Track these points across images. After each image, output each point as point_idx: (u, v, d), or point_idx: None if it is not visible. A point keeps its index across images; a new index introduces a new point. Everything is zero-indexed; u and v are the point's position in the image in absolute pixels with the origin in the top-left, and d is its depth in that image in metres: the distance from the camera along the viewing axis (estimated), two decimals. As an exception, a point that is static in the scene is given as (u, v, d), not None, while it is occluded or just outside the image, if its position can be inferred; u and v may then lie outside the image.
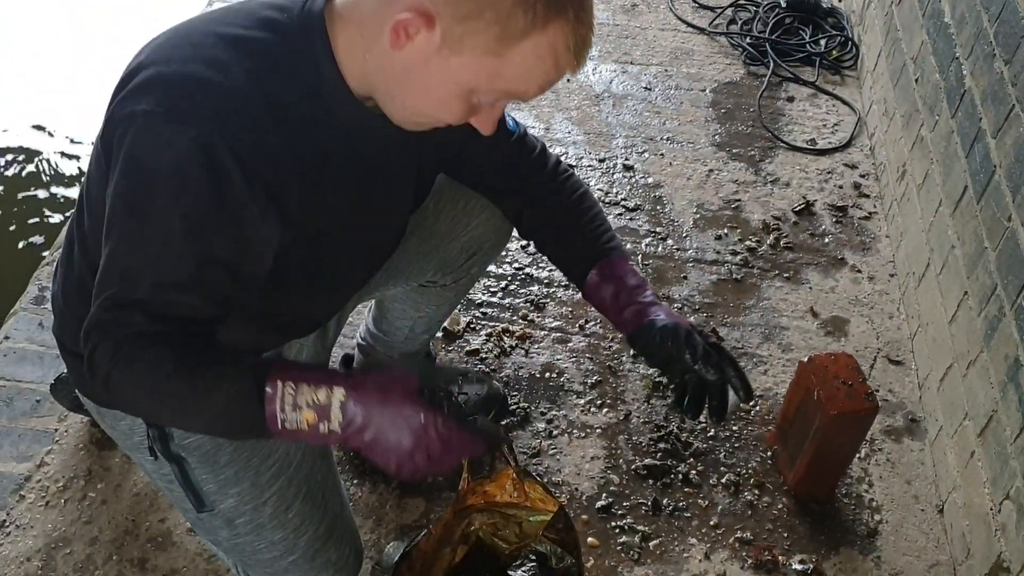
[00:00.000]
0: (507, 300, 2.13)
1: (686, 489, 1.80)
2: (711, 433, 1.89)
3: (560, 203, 1.40)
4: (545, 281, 2.17)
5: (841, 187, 2.52)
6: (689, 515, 1.77)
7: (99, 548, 1.64)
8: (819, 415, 1.66)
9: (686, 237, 2.34)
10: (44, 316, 2.00)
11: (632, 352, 2.01)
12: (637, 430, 1.89)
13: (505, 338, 2.04)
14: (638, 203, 2.42)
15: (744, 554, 1.71)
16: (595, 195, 2.39)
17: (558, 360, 2.01)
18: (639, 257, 2.27)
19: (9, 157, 2.97)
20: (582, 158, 2.54)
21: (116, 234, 1.01)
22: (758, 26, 3.02)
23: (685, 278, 2.23)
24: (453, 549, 1.42)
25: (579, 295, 1.65)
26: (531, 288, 2.16)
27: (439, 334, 2.01)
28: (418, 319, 1.64)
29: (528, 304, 2.13)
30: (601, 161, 2.54)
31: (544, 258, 1.74)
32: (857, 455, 1.84)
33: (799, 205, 2.44)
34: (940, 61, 2.06)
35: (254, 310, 1.13)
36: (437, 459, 1.06)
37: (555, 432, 1.88)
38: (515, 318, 2.09)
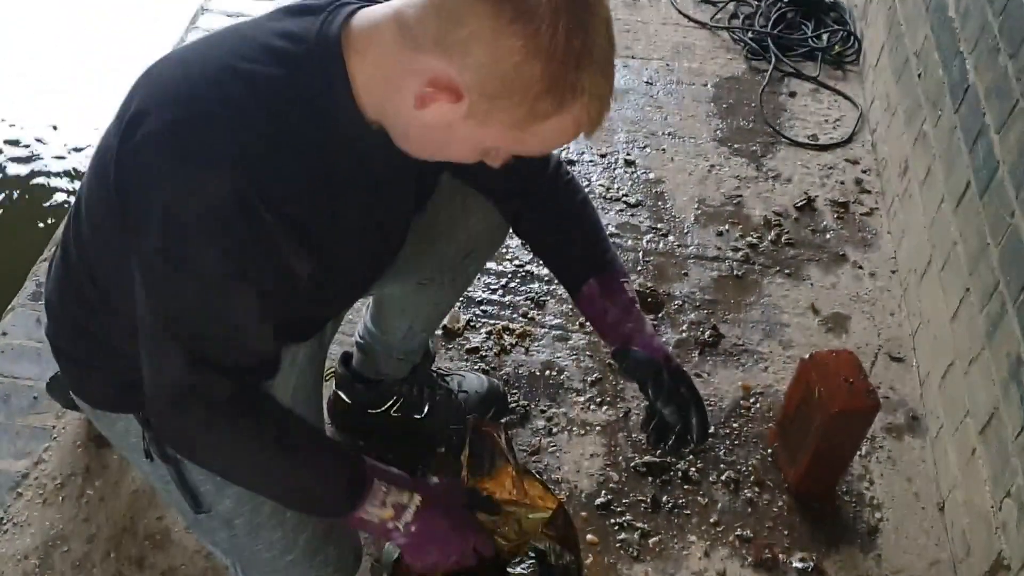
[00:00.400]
0: (507, 298, 2.13)
1: (686, 486, 1.80)
2: (711, 430, 1.89)
3: (559, 208, 1.40)
4: (545, 279, 2.16)
5: (843, 183, 2.50)
6: (689, 512, 1.76)
7: (97, 546, 1.63)
8: (820, 412, 1.65)
9: (687, 233, 2.33)
10: (42, 312, 1.97)
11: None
12: (637, 427, 1.88)
13: (505, 336, 2.04)
14: (639, 199, 2.41)
15: (744, 552, 1.71)
16: (597, 190, 2.41)
17: (558, 358, 2.01)
18: (640, 253, 2.26)
19: (8, 156, 2.96)
20: (583, 153, 2.53)
21: (166, 290, 1.01)
22: (760, 21, 3.00)
23: (686, 274, 2.22)
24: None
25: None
26: (531, 286, 2.15)
27: (439, 332, 2.00)
28: (416, 317, 1.64)
29: (528, 302, 2.12)
30: (602, 156, 2.52)
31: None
32: (858, 453, 1.83)
33: (800, 201, 2.43)
34: (943, 56, 2.05)
35: None
36: (456, 561, 1.23)
37: (555, 430, 1.87)
38: (515, 316, 2.09)
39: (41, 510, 1.67)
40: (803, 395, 1.71)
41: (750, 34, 2.96)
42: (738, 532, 1.73)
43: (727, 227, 2.35)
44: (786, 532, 1.75)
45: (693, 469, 1.82)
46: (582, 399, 1.93)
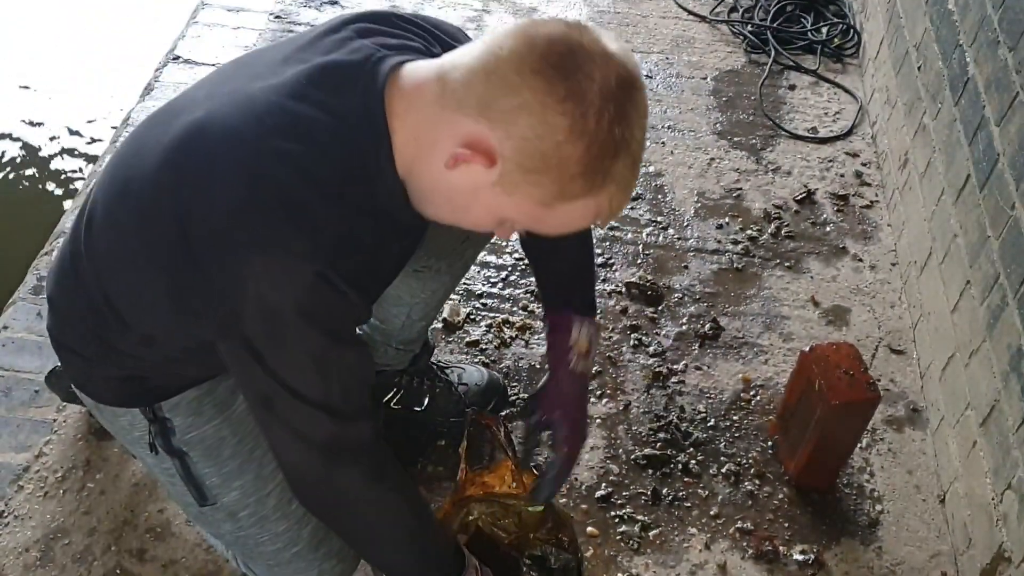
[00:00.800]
0: (507, 291, 2.13)
1: (686, 479, 1.80)
2: (711, 423, 1.89)
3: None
4: (545, 271, 2.16)
5: (843, 176, 2.50)
6: (689, 505, 1.76)
7: (98, 538, 1.63)
8: (820, 405, 1.65)
9: (687, 226, 2.33)
10: (43, 306, 1.98)
11: (632, 343, 2.02)
12: (637, 420, 1.88)
13: (505, 329, 2.04)
14: (639, 192, 2.41)
15: (745, 544, 1.71)
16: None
17: (558, 350, 2.00)
18: (640, 246, 2.26)
19: (8, 156, 2.96)
20: (582, 147, 2.52)
21: (283, 369, 1.04)
22: (759, 14, 3.00)
23: (686, 267, 2.22)
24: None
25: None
26: (531, 279, 2.15)
27: (439, 325, 2.00)
28: (414, 305, 1.63)
29: (528, 295, 2.12)
30: (602, 150, 2.52)
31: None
32: (858, 445, 1.84)
33: (800, 194, 2.43)
34: (943, 48, 2.05)
35: None
36: None
37: (555, 422, 1.87)
38: (515, 309, 2.09)
39: (42, 503, 1.67)
40: (804, 387, 1.71)
41: (749, 27, 2.95)
42: (739, 524, 1.74)
43: (727, 220, 2.35)
44: (787, 524, 1.75)
45: (693, 462, 1.82)
46: (582, 392, 1.93)
